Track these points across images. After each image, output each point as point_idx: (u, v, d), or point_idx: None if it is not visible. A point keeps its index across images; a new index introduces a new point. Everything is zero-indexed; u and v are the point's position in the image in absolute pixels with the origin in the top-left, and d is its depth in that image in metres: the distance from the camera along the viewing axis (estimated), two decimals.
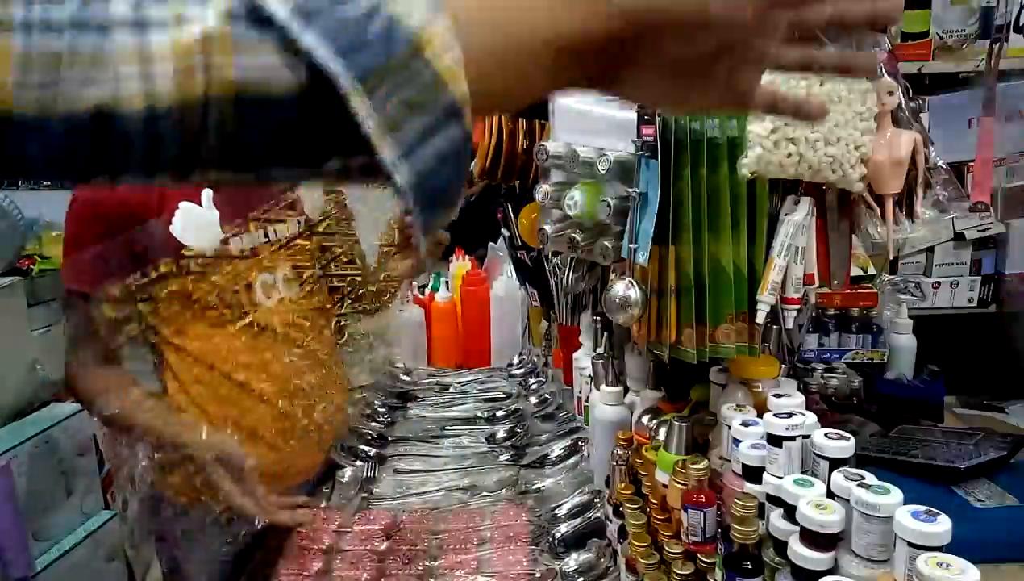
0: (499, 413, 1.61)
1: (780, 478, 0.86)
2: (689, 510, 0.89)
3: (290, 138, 0.39)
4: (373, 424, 1.62)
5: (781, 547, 0.81)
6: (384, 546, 1.21)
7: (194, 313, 1.28)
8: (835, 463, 0.84)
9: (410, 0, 0.39)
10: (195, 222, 1.26)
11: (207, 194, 1.27)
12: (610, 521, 1.15)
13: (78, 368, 1.29)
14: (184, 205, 1.25)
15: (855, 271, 1.64)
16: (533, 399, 1.68)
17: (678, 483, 0.94)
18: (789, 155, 0.92)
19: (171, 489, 1.33)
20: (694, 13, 0.44)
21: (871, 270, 1.68)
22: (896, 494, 0.74)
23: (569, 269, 1.31)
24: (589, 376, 1.37)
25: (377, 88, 0.37)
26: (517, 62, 0.43)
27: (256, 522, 1.21)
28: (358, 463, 1.47)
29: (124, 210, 1.21)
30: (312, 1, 0.37)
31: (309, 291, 1.41)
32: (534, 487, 1.34)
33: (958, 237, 1.87)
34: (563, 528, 1.19)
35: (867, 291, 1.66)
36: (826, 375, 1.58)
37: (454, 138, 0.40)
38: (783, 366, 1.11)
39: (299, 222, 1.40)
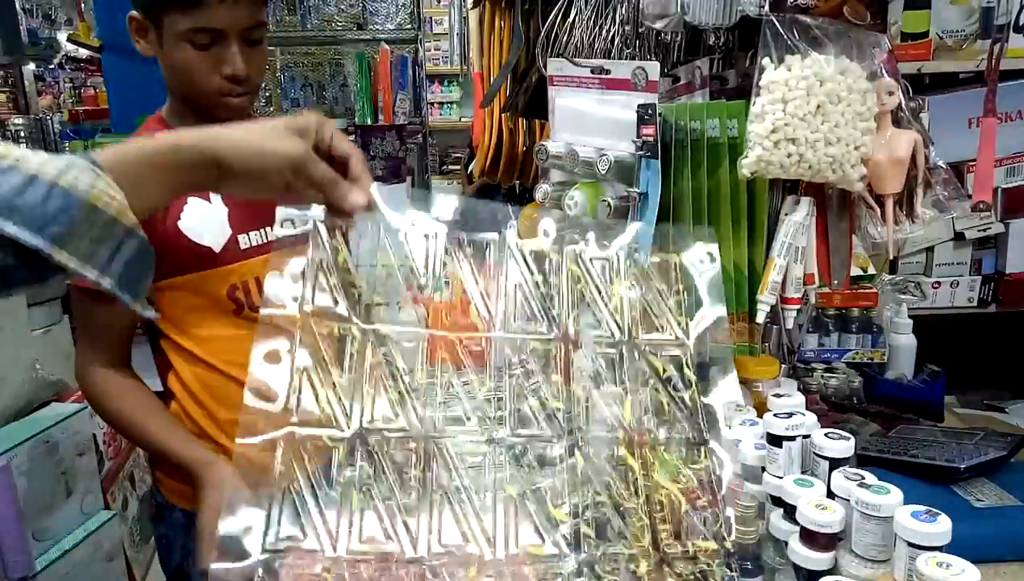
0: (499, 413, 1.60)
1: (780, 478, 0.86)
2: (689, 510, 0.89)
3: (21, 275, 0.63)
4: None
5: (781, 547, 0.81)
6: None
7: (200, 311, 1.27)
8: (835, 463, 0.84)
9: (74, 168, 0.63)
10: (204, 218, 1.25)
11: None
12: (611, 521, 1.15)
13: (89, 374, 1.28)
14: (193, 201, 1.24)
15: (855, 271, 1.64)
16: (533, 399, 1.68)
17: (678, 483, 0.94)
18: (789, 155, 0.92)
19: (170, 490, 1.33)
20: (260, 171, 0.76)
21: (871, 270, 1.68)
22: (896, 494, 0.74)
23: None
24: (589, 376, 1.37)
25: (70, 241, 0.61)
26: (154, 191, 0.71)
27: None
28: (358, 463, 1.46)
29: None
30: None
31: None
32: (534, 487, 1.34)
33: (958, 237, 1.87)
34: (563, 528, 1.19)
35: (867, 291, 1.66)
36: (826, 375, 1.58)
37: (135, 246, 0.67)
38: (783, 366, 1.11)
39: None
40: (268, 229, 1.32)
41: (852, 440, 0.85)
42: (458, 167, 6.68)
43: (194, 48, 1.17)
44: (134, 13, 1.21)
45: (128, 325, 1.28)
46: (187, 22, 1.15)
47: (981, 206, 1.03)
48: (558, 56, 1.11)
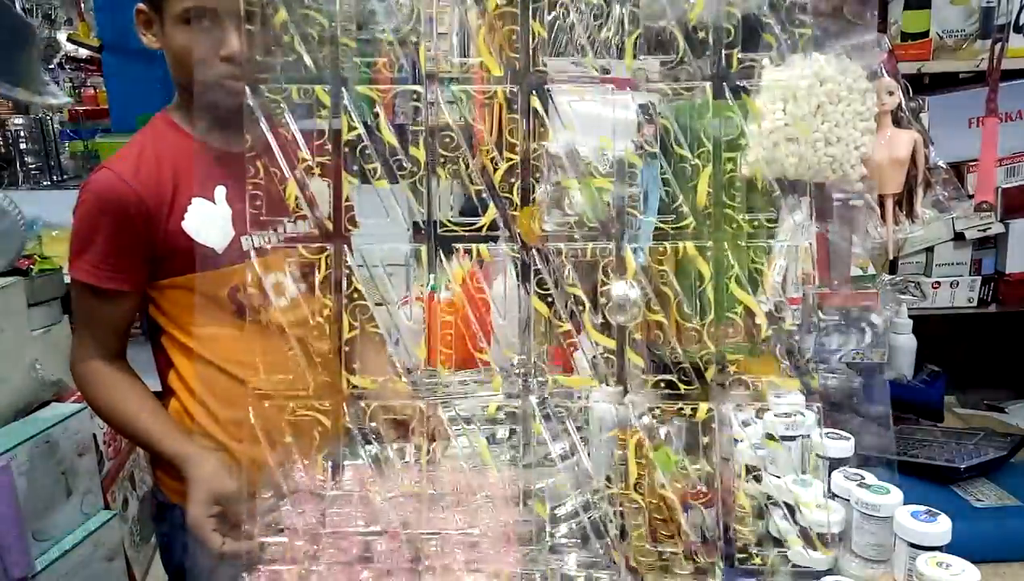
0: (499, 413, 1.61)
1: (780, 478, 0.86)
2: (689, 510, 0.89)
3: None
4: (372, 424, 1.62)
5: (781, 547, 0.81)
6: (383, 545, 1.20)
7: (202, 311, 1.27)
8: (835, 463, 0.84)
9: None
10: (208, 219, 1.26)
11: (220, 191, 1.27)
12: (610, 521, 1.15)
13: (83, 365, 1.28)
14: (197, 201, 1.25)
15: (855, 271, 1.64)
16: (533, 399, 1.68)
17: (678, 483, 0.94)
18: (789, 155, 0.92)
19: (171, 489, 1.33)
20: None
21: (871, 270, 1.68)
22: (896, 494, 0.74)
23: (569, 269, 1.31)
24: (590, 376, 1.37)
25: None
26: None
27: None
28: (359, 463, 1.46)
29: (135, 205, 1.20)
30: None
31: (319, 291, 1.40)
32: (534, 487, 1.34)
33: (958, 237, 1.87)
34: (563, 528, 1.19)
35: (867, 291, 1.66)
36: (826, 375, 1.58)
37: None
38: (783, 366, 1.11)
39: (309, 222, 1.39)
40: (272, 231, 1.32)
41: (852, 440, 0.85)
42: (458, 166, 6.69)
43: (192, 30, 1.19)
44: (141, 5, 1.24)
45: (126, 320, 1.28)
46: (185, 1, 1.17)
47: (984, 206, 1.03)
48: (558, 56, 1.12)
